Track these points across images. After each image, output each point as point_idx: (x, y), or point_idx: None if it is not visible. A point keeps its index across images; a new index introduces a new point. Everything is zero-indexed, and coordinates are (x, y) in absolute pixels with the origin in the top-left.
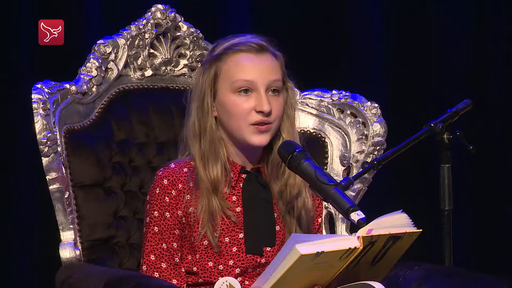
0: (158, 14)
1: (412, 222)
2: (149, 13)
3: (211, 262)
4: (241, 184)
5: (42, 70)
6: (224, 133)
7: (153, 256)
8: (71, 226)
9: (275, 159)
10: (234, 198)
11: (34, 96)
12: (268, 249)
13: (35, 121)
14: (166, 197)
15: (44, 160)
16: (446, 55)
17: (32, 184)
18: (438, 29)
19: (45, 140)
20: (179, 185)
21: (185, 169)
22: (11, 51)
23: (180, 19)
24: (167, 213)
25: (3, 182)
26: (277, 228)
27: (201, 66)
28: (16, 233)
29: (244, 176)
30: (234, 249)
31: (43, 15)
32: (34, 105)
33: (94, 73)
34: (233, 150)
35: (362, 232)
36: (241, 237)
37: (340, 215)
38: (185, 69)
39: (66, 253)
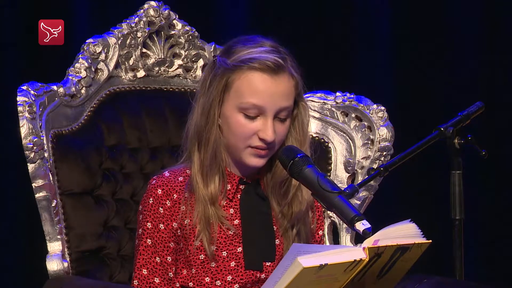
0: (151, 12)
1: (421, 232)
2: (142, 10)
3: (208, 278)
4: (238, 196)
5: (30, 72)
6: (224, 143)
7: (145, 270)
8: (58, 236)
9: (277, 176)
10: (231, 210)
11: (19, 99)
12: (268, 263)
13: (21, 125)
14: (160, 208)
15: (30, 167)
16: (457, 56)
17: (17, 191)
18: (447, 29)
19: (31, 145)
20: (174, 195)
21: (181, 178)
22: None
23: (174, 17)
24: (161, 225)
25: None
26: (277, 241)
27: (213, 65)
28: (0, 243)
29: (242, 187)
30: (233, 263)
31: (38, 14)
32: (20, 108)
33: (83, 74)
34: (232, 161)
35: (368, 243)
36: (240, 251)
37: (345, 225)
38: (180, 70)
39: (54, 265)
